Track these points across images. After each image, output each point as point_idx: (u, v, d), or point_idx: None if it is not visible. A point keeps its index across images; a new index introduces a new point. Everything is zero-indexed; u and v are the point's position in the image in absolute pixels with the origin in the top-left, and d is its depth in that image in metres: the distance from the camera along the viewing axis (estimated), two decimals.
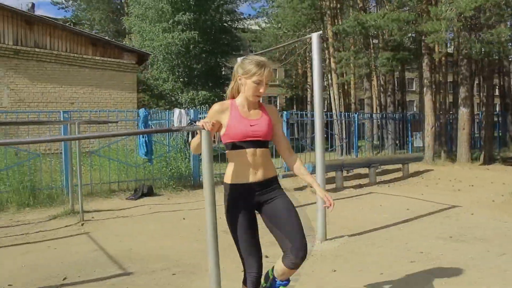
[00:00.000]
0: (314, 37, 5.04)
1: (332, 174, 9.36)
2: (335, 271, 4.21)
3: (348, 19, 15.44)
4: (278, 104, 37.55)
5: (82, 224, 6.53)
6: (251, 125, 2.62)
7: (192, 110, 9.94)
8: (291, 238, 2.59)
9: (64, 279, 4.31)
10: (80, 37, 14.52)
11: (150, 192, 8.69)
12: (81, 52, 14.40)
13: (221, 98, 20.68)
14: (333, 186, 9.22)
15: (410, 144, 15.65)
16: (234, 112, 2.64)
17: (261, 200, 2.67)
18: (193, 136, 9.01)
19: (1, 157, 8.25)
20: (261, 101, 2.81)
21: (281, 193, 2.73)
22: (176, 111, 9.54)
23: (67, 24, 20.41)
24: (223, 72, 21.69)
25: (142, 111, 8.97)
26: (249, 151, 2.61)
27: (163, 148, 9.81)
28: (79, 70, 14.33)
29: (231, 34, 20.70)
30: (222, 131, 2.65)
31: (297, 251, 2.56)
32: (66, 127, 7.93)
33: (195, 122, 8.76)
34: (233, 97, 2.75)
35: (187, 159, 9.68)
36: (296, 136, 15.34)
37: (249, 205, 2.66)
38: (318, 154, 5.10)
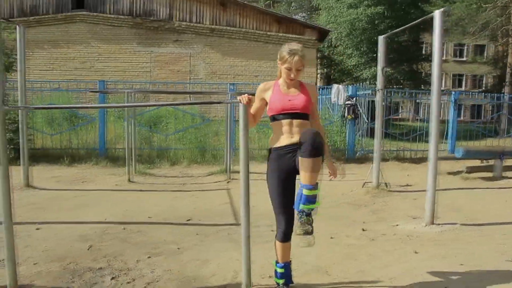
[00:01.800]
0: (437, 15, 4.65)
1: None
2: (416, 252, 4.00)
3: None
4: (483, 85, 33.42)
5: (228, 182, 7.45)
6: (289, 100, 2.90)
7: (350, 86, 9.93)
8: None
9: (188, 220, 5.18)
10: (266, 15, 15.75)
11: None
12: (266, 29, 15.61)
13: (409, 74, 19.59)
14: (490, 175, 8.14)
15: None
16: (276, 90, 2.95)
17: (296, 159, 2.85)
18: (349, 112, 9.15)
19: (181, 120, 9.83)
20: (302, 81, 3.05)
21: None
22: (334, 86, 9.69)
23: (266, 3, 22.16)
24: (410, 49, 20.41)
25: None
26: (286, 121, 2.89)
27: (322, 120, 10.13)
28: (264, 46, 15.59)
29: (420, 8, 19.23)
30: (267, 107, 2.98)
31: None
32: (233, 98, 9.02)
33: (352, 98, 8.83)
34: (279, 78, 3.02)
35: (343, 133, 9.79)
36: (470, 119, 13.62)
37: (284, 167, 2.91)
38: (432, 142, 4.75)
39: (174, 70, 15.68)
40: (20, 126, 6.83)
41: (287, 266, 3.05)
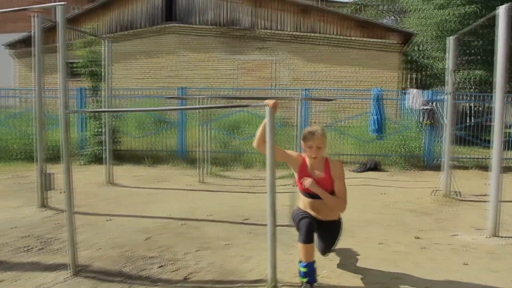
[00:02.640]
0: (502, 10, 4.35)
1: None
2: (466, 264, 3.79)
3: None
4: None
5: (294, 186, 7.54)
6: (317, 179, 3.24)
7: (427, 91, 9.47)
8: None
9: (245, 219, 5.41)
10: (348, 20, 15.57)
11: (376, 167, 8.97)
12: (349, 34, 15.43)
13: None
14: None
15: None
16: (303, 166, 3.33)
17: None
18: (428, 117, 8.77)
19: (256, 126, 10.13)
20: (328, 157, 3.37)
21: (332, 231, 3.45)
22: (412, 91, 9.33)
23: (355, 7, 21.86)
24: None
25: (375, 90, 9.23)
26: (306, 199, 3.38)
27: (397, 126, 9.81)
28: (346, 51, 15.42)
29: None
30: (296, 176, 3.39)
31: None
32: (306, 103, 9.18)
33: (430, 103, 8.49)
34: None
35: (420, 139, 9.40)
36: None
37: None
38: (495, 149, 4.46)
39: (258, 76, 16.14)
40: (103, 129, 7.59)
41: (309, 265, 3.13)
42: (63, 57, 3.58)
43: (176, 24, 16.68)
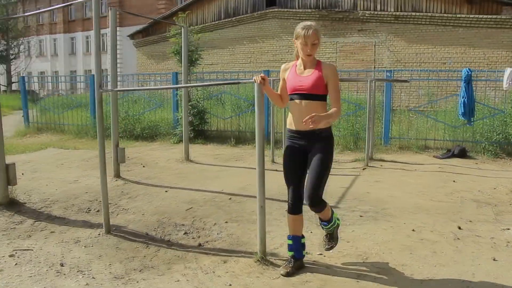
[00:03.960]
0: None
1: None
2: (495, 260, 3.43)
3: None
4: None
5: (363, 169, 7.35)
6: (300, 80, 3.00)
7: None
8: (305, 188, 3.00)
9: None
10: None
11: (462, 154, 8.27)
12: (455, 11, 14.08)
13: None
14: None
15: None
16: (292, 70, 3.08)
17: (306, 148, 3.04)
18: None
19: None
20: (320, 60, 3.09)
21: (320, 148, 2.99)
22: (508, 70, 8.32)
23: None
24: None
25: (465, 70, 8.46)
26: (297, 102, 3.00)
27: (490, 110, 8.83)
28: (452, 30, 14.14)
29: None
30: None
31: (305, 198, 2.98)
32: (389, 85, 8.79)
33: None
34: (298, 58, 3.13)
35: None
36: None
37: (296, 148, 3.08)
38: None
39: (358, 59, 15.69)
40: (193, 110, 8.07)
41: (295, 239, 3.16)
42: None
43: (277, 9, 16.92)
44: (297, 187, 3.07)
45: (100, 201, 5.21)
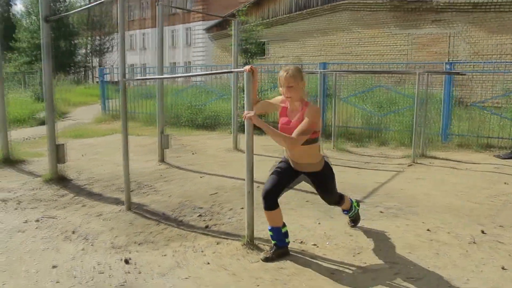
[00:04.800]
0: None
1: None
2: (504, 269, 3.20)
3: None
4: None
5: (409, 166, 7.08)
6: (288, 126, 3.19)
7: None
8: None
9: None
10: None
11: None
12: None
13: None
14: None
15: None
16: (283, 110, 3.28)
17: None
18: None
19: (396, 102, 9.61)
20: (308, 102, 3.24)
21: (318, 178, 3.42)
22: None
23: None
24: None
25: None
26: None
27: None
28: None
29: None
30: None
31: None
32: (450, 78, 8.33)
33: None
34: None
35: None
36: None
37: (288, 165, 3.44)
38: None
39: (431, 51, 14.87)
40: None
41: (274, 230, 3.26)
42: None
43: (349, 0, 16.55)
44: (275, 186, 3.24)
45: (139, 183, 5.66)
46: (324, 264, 3.13)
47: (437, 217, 4.43)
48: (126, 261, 2.98)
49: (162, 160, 6.88)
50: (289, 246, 3.47)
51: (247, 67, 3.20)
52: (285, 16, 18.25)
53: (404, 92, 9.41)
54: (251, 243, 3.39)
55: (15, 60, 34.64)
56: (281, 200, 4.84)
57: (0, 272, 2.74)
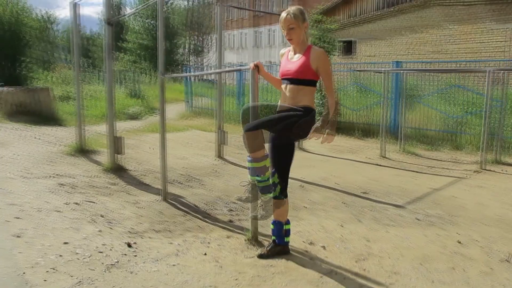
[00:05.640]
0: None
1: None
2: None
3: None
4: None
5: (476, 172, 6.56)
6: (287, 66, 3.09)
7: None
8: None
9: (363, 192, 5.36)
10: None
11: None
12: None
13: None
14: None
15: None
16: (285, 56, 3.18)
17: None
18: None
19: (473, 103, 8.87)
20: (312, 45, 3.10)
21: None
22: None
23: None
24: None
25: None
26: (283, 85, 3.11)
27: None
28: None
29: None
30: None
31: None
32: None
33: None
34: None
35: None
36: None
37: None
38: None
39: None
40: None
41: (276, 224, 3.24)
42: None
43: None
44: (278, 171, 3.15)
45: (189, 176, 5.95)
46: (319, 267, 3.07)
47: (478, 229, 4.09)
48: (129, 245, 3.22)
49: (219, 155, 7.15)
50: (297, 245, 3.47)
51: (252, 64, 3.25)
52: (373, 13, 17.66)
53: (483, 93, 8.64)
54: (254, 239, 3.44)
55: (122, 59, 37.92)
56: (318, 200, 4.87)
57: (22, 243, 3.15)
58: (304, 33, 3.03)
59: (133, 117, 13.87)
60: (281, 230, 3.24)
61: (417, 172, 6.62)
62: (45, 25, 33.84)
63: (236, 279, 2.76)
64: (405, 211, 4.61)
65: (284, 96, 3.08)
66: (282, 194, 3.16)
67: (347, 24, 17.78)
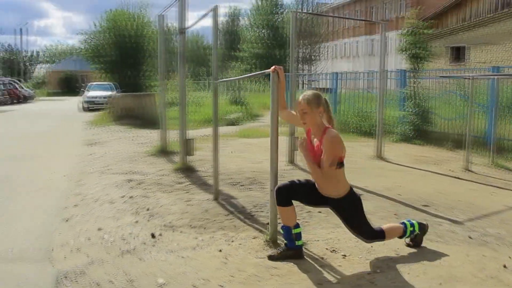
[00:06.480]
0: None
1: None
2: None
3: None
4: None
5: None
6: (310, 145, 3.24)
7: None
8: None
9: (424, 205, 5.08)
10: None
11: None
12: None
13: None
14: None
15: None
16: (309, 132, 3.31)
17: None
18: None
19: None
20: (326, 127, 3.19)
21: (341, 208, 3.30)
22: None
23: None
24: None
25: None
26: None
27: None
28: None
29: None
30: None
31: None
32: None
33: None
34: None
35: None
36: None
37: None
38: None
39: None
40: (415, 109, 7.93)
41: (285, 228, 3.31)
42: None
43: None
44: (290, 186, 3.29)
45: (253, 179, 6.13)
46: (323, 275, 3.03)
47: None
48: (153, 235, 3.51)
49: (291, 161, 7.24)
50: (317, 251, 3.46)
51: (272, 68, 3.34)
52: (487, 16, 16.23)
53: None
54: (272, 241, 3.51)
55: (237, 68, 39.78)
56: (368, 209, 4.69)
57: (67, 226, 3.63)
58: (319, 117, 3.14)
59: (233, 122, 14.53)
60: (290, 234, 3.28)
61: (500, 187, 6.00)
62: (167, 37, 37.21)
63: (232, 276, 2.87)
64: (461, 227, 4.25)
65: (315, 179, 3.28)
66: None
67: (456, 28, 16.56)
